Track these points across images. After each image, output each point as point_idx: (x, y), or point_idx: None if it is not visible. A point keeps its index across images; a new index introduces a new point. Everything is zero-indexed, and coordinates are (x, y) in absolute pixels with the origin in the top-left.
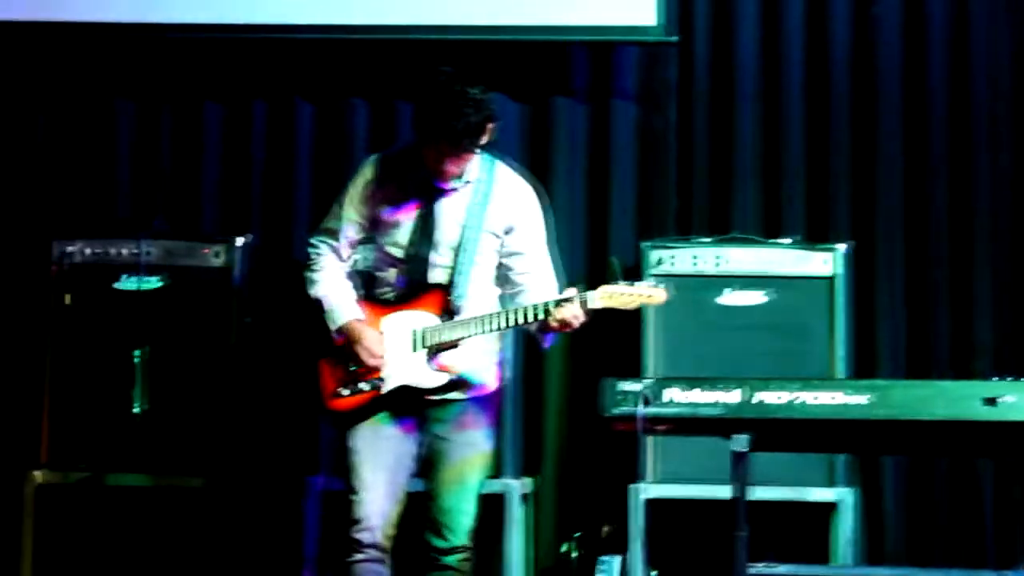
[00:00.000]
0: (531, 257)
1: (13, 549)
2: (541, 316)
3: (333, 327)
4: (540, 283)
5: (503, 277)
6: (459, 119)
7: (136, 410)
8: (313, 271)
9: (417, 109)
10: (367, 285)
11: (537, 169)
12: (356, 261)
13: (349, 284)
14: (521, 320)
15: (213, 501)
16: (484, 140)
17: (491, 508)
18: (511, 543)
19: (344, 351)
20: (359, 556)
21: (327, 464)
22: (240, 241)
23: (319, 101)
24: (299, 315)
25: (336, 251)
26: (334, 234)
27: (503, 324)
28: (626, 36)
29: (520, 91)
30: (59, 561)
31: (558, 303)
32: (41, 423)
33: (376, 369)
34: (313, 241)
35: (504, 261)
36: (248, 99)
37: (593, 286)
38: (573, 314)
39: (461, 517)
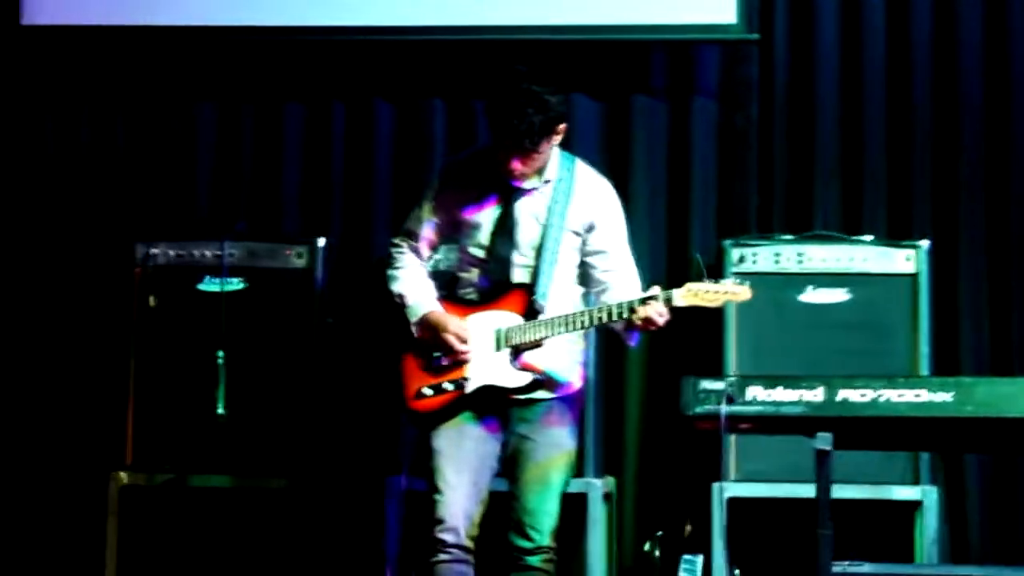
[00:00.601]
0: (614, 255)
1: (98, 550)
2: (625, 315)
3: (413, 319)
4: (623, 281)
5: (586, 276)
6: (522, 119)
7: (219, 411)
8: (394, 269)
9: (487, 108)
10: (450, 286)
11: (617, 167)
12: (438, 262)
13: (430, 282)
14: (605, 319)
15: (296, 502)
16: (552, 140)
17: (572, 507)
18: (593, 542)
19: (426, 344)
20: (442, 556)
21: (408, 464)
22: (322, 242)
23: (398, 102)
24: (379, 315)
25: (416, 251)
26: (414, 235)
27: (587, 323)
28: (706, 35)
29: (600, 90)
30: (143, 562)
31: (642, 301)
32: (125, 424)
33: (462, 364)
34: (395, 241)
35: (587, 260)
36: (328, 100)
37: (675, 284)
38: (657, 312)
39: (544, 517)
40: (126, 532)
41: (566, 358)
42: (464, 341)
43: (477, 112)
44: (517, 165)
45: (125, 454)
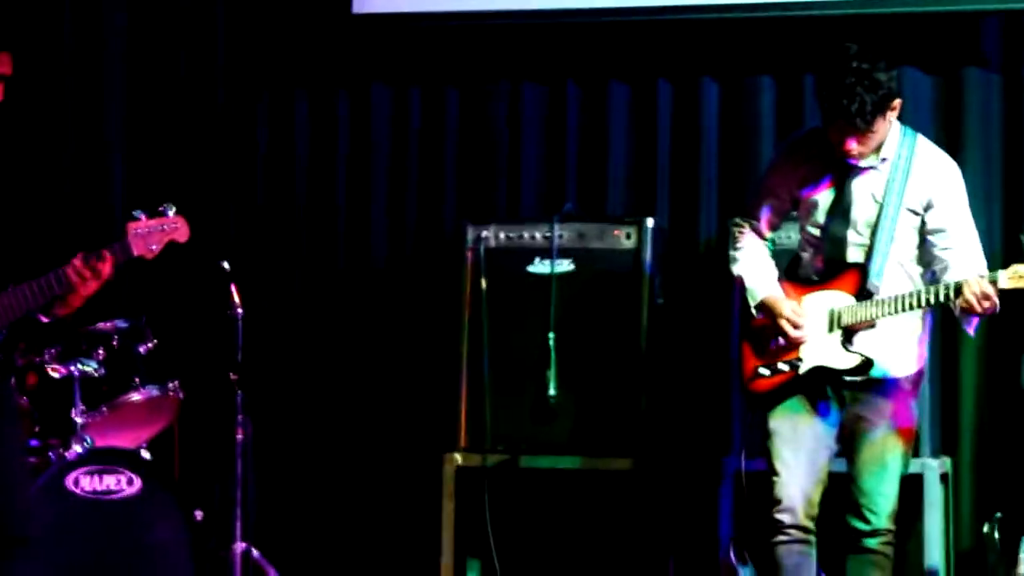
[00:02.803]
0: (953, 233)
1: (434, 531)
2: (952, 295)
3: (752, 303)
4: (964, 258)
5: (926, 254)
6: (854, 100)
7: (551, 393)
8: (734, 250)
9: (817, 88)
10: (791, 265)
11: (950, 142)
12: (775, 240)
13: (770, 263)
14: (933, 300)
15: (636, 483)
16: (886, 117)
17: (909, 489)
18: (929, 524)
19: (764, 330)
20: (782, 537)
21: (743, 445)
22: (650, 222)
23: (725, 79)
24: (710, 295)
25: (757, 231)
26: (754, 214)
27: (916, 304)
28: None
29: (931, 63)
30: (479, 542)
31: (968, 283)
32: (459, 406)
33: (797, 345)
34: (736, 220)
35: (927, 238)
36: (654, 79)
37: (1010, 259)
38: (983, 293)
39: (881, 499)
40: (461, 513)
41: (902, 339)
42: (797, 327)
43: (806, 89)
44: (852, 145)
45: (459, 436)
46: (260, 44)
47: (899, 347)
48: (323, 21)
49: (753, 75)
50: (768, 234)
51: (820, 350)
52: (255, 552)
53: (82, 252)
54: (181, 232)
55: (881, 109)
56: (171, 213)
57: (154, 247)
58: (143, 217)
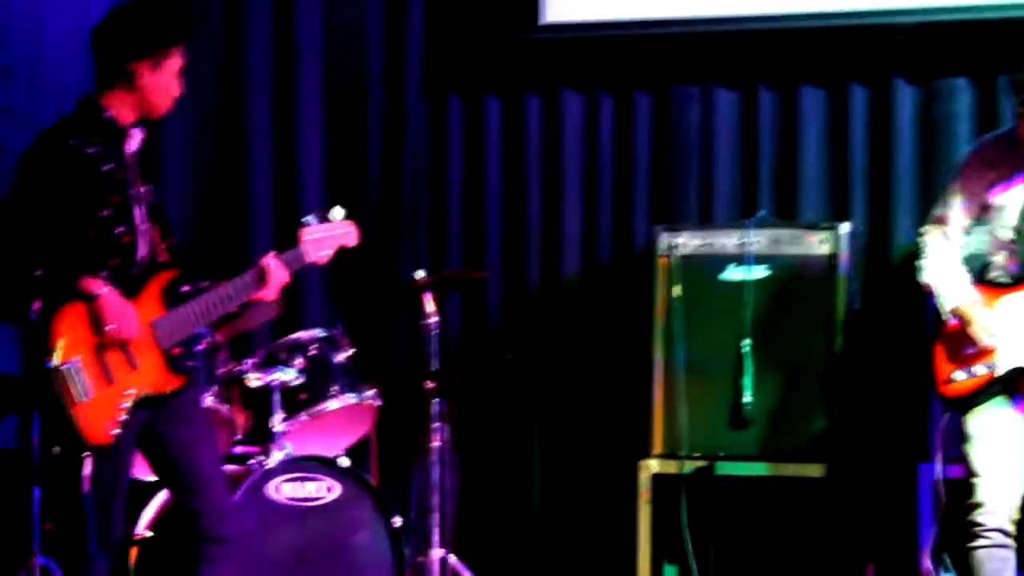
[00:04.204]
0: None
1: (630, 537)
2: None
3: (945, 310)
4: None
5: None
6: None
7: (747, 400)
8: (923, 258)
9: (1011, 83)
10: (981, 270)
11: None
12: (968, 244)
13: (961, 268)
14: None
15: (831, 489)
16: None
17: None
18: None
19: (957, 334)
20: (982, 541)
21: (940, 451)
22: (845, 227)
23: (919, 81)
24: (905, 301)
25: (946, 236)
26: (943, 220)
27: None
28: None
29: None
30: (675, 548)
31: None
32: (653, 413)
33: (990, 350)
34: (923, 229)
35: None
36: (846, 82)
37: None
38: None
39: None
40: (658, 519)
41: None
42: (991, 334)
43: (1003, 90)
44: None
45: (653, 443)
46: (451, 51)
47: None
48: (512, 29)
49: (948, 77)
50: (959, 239)
51: (1019, 350)
52: (452, 558)
53: (274, 251)
54: (351, 236)
55: None
56: (340, 217)
57: (326, 252)
58: (314, 223)
